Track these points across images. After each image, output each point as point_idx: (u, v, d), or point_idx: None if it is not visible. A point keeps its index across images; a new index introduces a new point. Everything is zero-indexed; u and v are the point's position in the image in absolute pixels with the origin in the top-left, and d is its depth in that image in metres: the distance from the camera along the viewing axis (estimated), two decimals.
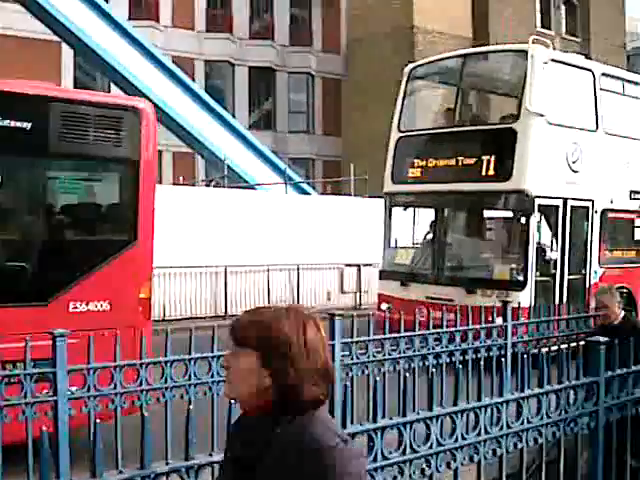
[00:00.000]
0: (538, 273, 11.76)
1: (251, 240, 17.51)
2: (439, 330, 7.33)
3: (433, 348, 7.21)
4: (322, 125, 38.31)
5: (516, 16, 34.01)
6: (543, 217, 12.08)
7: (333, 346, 6.19)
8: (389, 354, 6.93)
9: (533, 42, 11.70)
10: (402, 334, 7.05)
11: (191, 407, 3.71)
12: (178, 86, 26.45)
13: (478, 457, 3.83)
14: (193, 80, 30.02)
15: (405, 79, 13.12)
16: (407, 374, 4.26)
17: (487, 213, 12.68)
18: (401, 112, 12.96)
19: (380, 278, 13.25)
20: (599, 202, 12.51)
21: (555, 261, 11.98)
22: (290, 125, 37.82)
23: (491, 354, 7.64)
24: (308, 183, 29.84)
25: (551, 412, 4.16)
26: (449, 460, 3.72)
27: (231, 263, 17.06)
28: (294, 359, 2.00)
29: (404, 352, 6.98)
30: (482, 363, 5.78)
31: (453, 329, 7.54)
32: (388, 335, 6.95)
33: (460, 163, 12.16)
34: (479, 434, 3.80)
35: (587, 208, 12.39)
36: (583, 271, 12.40)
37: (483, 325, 7.84)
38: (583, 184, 12.26)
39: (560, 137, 12.00)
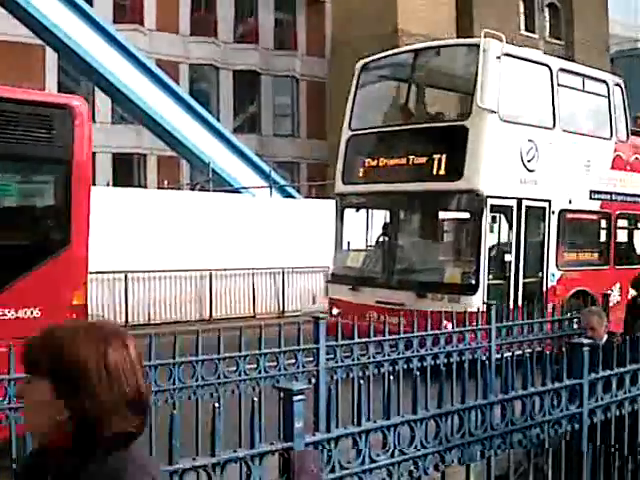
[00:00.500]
0: (491, 276, 11.20)
1: (236, 243, 17.28)
2: (423, 333, 7.23)
3: (418, 351, 7.12)
4: (307, 128, 37.83)
5: (500, 19, 33.47)
6: (497, 218, 11.51)
7: (318, 349, 6.14)
8: (373, 357, 6.83)
9: (485, 35, 11.12)
10: (386, 337, 6.91)
11: (174, 412, 3.51)
12: (162, 90, 26.09)
13: (465, 459, 3.82)
14: (178, 84, 29.64)
15: (357, 75, 12.56)
16: (391, 377, 4.15)
17: (438, 214, 12.09)
18: (352, 110, 12.40)
19: (330, 282, 12.68)
20: (557, 202, 11.92)
21: (510, 264, 11.39)
22: (275, 128, 37.37)
23: (475, 357, 7.55)
24: (293, 186, 29.42)
25: (535, 414, 4.16)
26: (437, 462, 3.71)
27: (216, 267, 16.86)
28: (93, 388, 1.68)
29: (389, 355, 6.88)
30: (466, 367, 5.82)
31: (439, 332, 7.44)
32: (373, 338, 6.84)
33: (411, 162, 11.60)
34: (464, 436, 3.79)
35: (544, 208, 11.81)
36: (540, 274, 11.82)
37: (467, 327, 7.86)
38: (539, 183, 11.69)
39: (514, 134, 11.43)
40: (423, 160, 11.45)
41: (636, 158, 13.21)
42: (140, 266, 15.53)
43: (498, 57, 11.12)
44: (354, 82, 12.54)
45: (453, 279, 11.22)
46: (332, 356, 6.49)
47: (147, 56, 27.94)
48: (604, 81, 12.94)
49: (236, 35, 36.84)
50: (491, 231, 11.34)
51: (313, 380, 6.33)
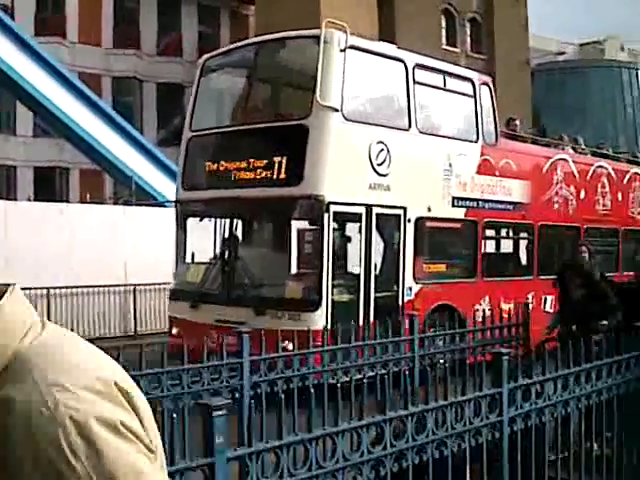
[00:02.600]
0: (337, 291, 9.79)
1: (160, 257, 15.72)
2: (356, 344, 7.25)
3: (342, 363, 7.08)
4: None
5: (421, 34, 32.46)
6: (343, 227, 10.10)
7: (242, 363, 6.10)
8: (298, 371, 6.65)
9: (327, 26, 9.75)
10: (310, 350, 6.78)
11: None
12: (85, 103, 25.15)
13: (385, 470, 3.69)
14: (100, 97, 28.42)
15: (198, 72, 11.09)
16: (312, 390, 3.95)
17: (279, 223, 10.60)
18: (193, 109, 10.91)
19: (170, 299, 11.15)
20: (413, 210, 10.54)
21: (359, 277, 9.98)
22: None
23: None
24: None
25: (455, 424, 4.05)
26: (356, 475, 3.63)
27: (140, 281, 15.89)
28: None
29: (313, 368, 6.73)
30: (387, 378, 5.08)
31: (363, 342, 7.52)
32: (296, 352, 6.71)
33: (251, 165, 10.14)
34: (384, 448, 3.68)
35: (398, 216, 10.41)
36: (395, 288, 10.42)
37: (392, 339, 7.90)
38: (393, 189, 10.30)
39: (362, 135, 10.06)
40: (263, 163, 10.01)
41: (507, 163, 11.90)
42: (62, 282, 14.76)
43: (342, 50, 9.75)
44: (195, 79, 11.08)
45: (293, 294, 9.79)
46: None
47: (70, 69, 26.76)
48: (469, 79, 11.62)
49: (160, 48, 35.44)
50: (337, 241, 9.93)
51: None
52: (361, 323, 9.56)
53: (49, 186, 33.00)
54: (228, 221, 10.60)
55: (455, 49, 34.28)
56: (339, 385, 3.98)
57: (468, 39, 35.07)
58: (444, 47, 33.70)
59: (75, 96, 24.42)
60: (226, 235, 10.56)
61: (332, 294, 9.68)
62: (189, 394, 5.83)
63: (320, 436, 3.47)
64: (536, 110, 36.50)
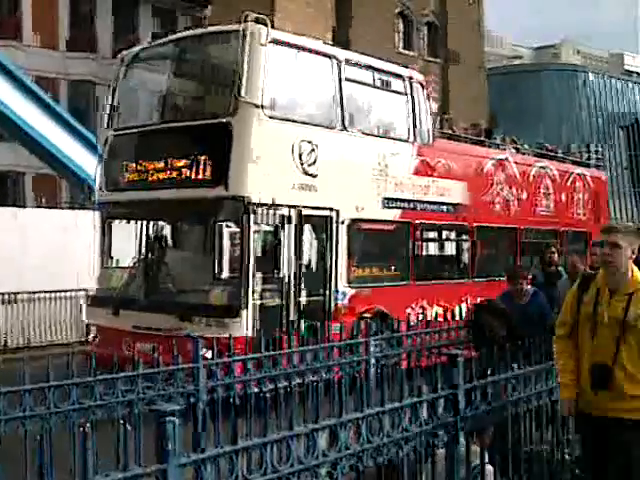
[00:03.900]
0: (262, 296, 9.22)
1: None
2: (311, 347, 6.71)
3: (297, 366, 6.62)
4: None
5: (377, 37, 32.08)
6: (270, 229, 9.50)
7: (198, 368, 5.89)
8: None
9: (248, 20, 9.16)
10: (265, 353, 6.33)
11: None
12: (40, 107, 24.41)
13: (336, 473, 3.53)
14: (57, 101, 27.58)
15: (118, 68, 10.45)
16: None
17: (202, 225, 9.95)
18: (112, 107, 10.26)
19: (90, 304, 10.48)
20: (345, 211, 9.99)
21: (286, 281, 9.41)
22: None
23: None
24: None
25: (409, 426, 3.90)
26: (312, 478, 3.45)
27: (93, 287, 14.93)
28: None
29: (269, 371, 6.34)
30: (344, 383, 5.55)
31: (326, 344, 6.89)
32: (251, 355, 6.39)
33: (172, 166, 9.53)
34: (339, 451, 3.54)
35: (328, 218, 9.87)
36: (325, 292, 9.86)
37: (350, 341, 7.32)
38: (322, 190, 9.76)
39: (288, 134, 9.51)
40: (185, 163, 9.41)
41: (443, 163, 11.40)
42: (15, 287, 14.30)
43: (263, 44, 9.17)
44: (114, 76, 10.44)
45: (215, 300, 9.21)
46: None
47: (25, 73, 25.55)
48: (402, 77, 11.09)
49: (116, 51, 34.57)
50: (262, 244, 9.34)
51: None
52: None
53: (3, 190, 32.17)
54: (150, 224, 9.98)
55: (411, 53, 33.97)
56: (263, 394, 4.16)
57: (424, 43, 34.73)
58: (400, 51, 33.39)
59: (30, 99, 23.66)
60: (148, 239, 9.95)
61: (256, 299, 9.13)
62: (143, 400, 5.63)
63: (274, 440, 3.39)
64: (492, 113, 36.33)
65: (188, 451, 3.17)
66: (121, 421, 3.37)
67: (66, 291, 15.16)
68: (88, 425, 3.07)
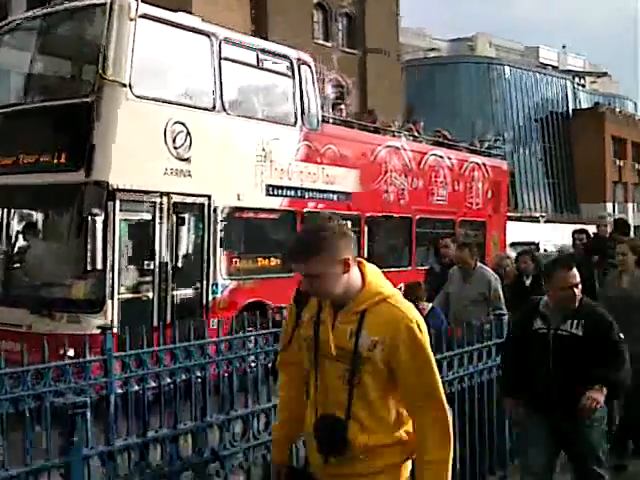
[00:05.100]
0: (126, 289, 8.44)
1: None
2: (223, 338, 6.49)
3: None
4: None
5: (294, 28, 31.30)
6: (135, 217, 8.71)
7: (106, 360, 5.74)
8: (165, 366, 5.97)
9: None
10: (178, 344, 6.01)
11: None
12: None
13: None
14: None
15: None
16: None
17: (62, 213, 9.07)
18: None
19: None
20: (221, 198, 9.28)
21: (154, 273, 8.65)
22: None
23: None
24: None
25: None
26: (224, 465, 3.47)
27: None
28: None
29: (181, 363, 6.03)
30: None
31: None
32: (162, 347, 6.01)
33: (31, 149, 8.64)
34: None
35: (202, 205, 9.13)
36: (199, 285, 9.13)
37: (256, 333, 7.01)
38: (195, 175, 9.02)
39: (157, 115, 8.73)
40: (44, 146, 8.54)
41: (331, 149, 10.78)
42: None
43: (132, 18, 8.35)
44: None
45: (73, 293, 8.36)
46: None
47: None
48: (287, 57, 10.41)
49: None
50: (126, 233, 8.53)
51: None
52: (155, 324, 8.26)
53: None
54: (7, 211, 9.07)
55: (328, 43, 33.37)
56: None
57: (341, 34, 34.14)
58: (317, 41, 32.72)
59: None
60: (6, 227, 9.02)
61: (123, 293, 8.35)
62: (54, 392, 5.31)
63: (182, 431, 3.43)
64: (410, 106, 36.09)
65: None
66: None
67: None
68: None
